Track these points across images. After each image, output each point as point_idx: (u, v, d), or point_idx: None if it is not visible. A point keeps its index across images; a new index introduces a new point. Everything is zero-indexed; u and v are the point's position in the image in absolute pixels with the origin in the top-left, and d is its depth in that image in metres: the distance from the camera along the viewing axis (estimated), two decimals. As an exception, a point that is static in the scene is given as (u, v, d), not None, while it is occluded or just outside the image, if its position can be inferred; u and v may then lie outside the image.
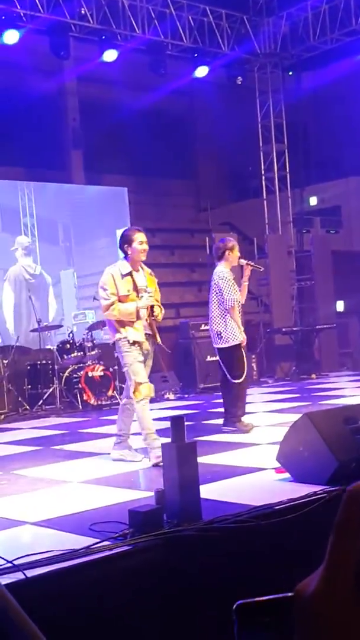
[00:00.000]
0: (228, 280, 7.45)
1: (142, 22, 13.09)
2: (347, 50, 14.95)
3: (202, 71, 14.33)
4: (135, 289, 6.39)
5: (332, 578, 0.59)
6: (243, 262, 7.69)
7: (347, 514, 0.59)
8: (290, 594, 0.64)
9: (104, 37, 12.74)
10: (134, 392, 6.27)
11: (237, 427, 7.49)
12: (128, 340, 6.26)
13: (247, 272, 7.70)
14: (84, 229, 15.25)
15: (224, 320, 7.47)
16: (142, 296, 6.34)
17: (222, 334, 7.48)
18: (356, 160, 20.53)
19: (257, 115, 15.84)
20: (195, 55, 14.06)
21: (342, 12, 13.82)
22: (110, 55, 12.90)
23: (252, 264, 7.77)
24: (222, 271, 7.50)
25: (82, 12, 12.44)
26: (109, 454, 6.74)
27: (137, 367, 6.27)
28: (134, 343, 6.29)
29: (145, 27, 13.12)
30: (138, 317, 6.29)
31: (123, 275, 6.34)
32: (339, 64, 15.94)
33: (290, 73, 17.50)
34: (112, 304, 6.24)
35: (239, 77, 14.73)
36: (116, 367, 11.13)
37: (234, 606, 0.65)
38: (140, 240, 6.39)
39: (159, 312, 6.41)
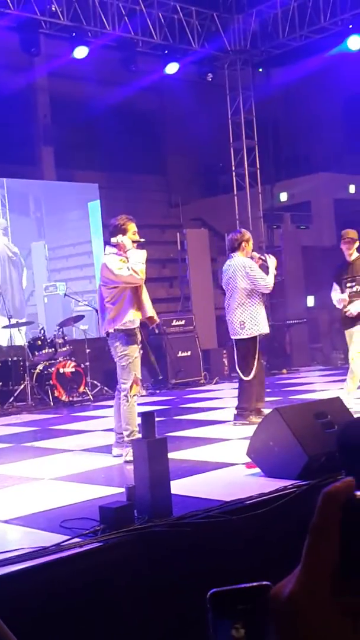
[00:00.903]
0: (256, 268, 7.45)
1: (112, 18, 13.06)
2: (316, 47, 15.04)
3: (172, 68, 14.33)
4: None
5: (308, 580, 0.59)
6: (256, 255, 7.69)
7: (323, 516, 0.60)
8: (264, 583, 0.65)
9: (74, 34, 12.69)
10: (131, 386, 6.25)
11: (248, 421, 7.43)
12: (128, 333, 6.22)
13: (257, 265, 7.67)
14: (56, 201, 15.20)
15: (250, 310, 7.43)
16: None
17: (245, 324, 7.45)
18: (326, 156, 20.70)
19: (228, 112, 15.89)
20: (166, 52, 14.07)
21: (310, 9, 13.91)
22: (80, 52, 12.85)
23: (263, 258, 7.75)
24: (246, 261, 7.49)
25: (53, 8, 12.37)
26: (80, 450, 6.75)
27: (137, 361, 6.27)
28: (134, 334, 6.26)
29: (115, 24, 13.09)
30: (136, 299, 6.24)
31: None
32: (308, 61, 16.03)
33: (260, 70, 17.57)
34: (128, 269, 6.13)
35: (209, 74, 14.77)
36: (88, 364, 11.13)
37: (208, 594, 0.66)
38: (133, 230, 6.39)
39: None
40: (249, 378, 7.47)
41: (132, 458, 6.11)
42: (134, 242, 6.46)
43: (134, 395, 6.25)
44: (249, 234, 7.75)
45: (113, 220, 6.54)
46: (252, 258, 7.63)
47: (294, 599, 0.59)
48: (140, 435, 6.17)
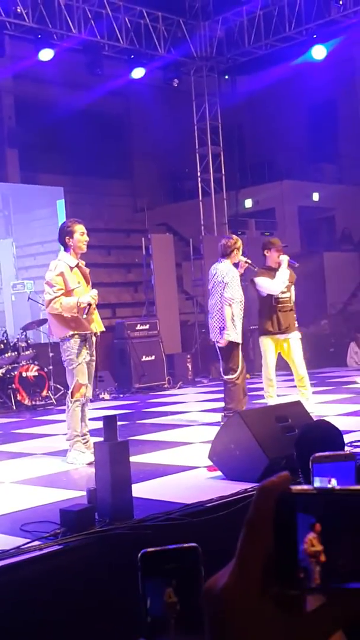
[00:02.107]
0: (234, 279, 7.57)
1: (78, 21, 13.05)
2: (281, 56, 15.20)
3: (138, 73, 14.37)
4: (86, 279, 6.39)
5: (241, 573, 0.60)
6: (242, 259, 7.75)
7: (258, 510, 0.60)
8: (191, 544, 0.68)
9: (39, 36, 12.65)
10: (72, 392, 6.26)
11: None
12: (80, 336, 6.22)
13: (242, 270, 7.77)
14: (23, 199, 15.10)
15: (223, 315, 7.52)
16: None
17: (224, 330, 7.52)
18: (290, 163, 20.89)
19: (193, 118, 15.97)
20: (132, 56, 14.09)
21: (276, 18, 14.06)
22: (46, 54, 12.82)
23: (250, 262, 7.85)
24: (229, 269, 7.60)
25: (18, 10, 12.32)
26: (42, 453, 6.71)
27: (83, 367, 6.26)
28: (85, 340, 6.26)
29: (81, 27, 13.08)
30: (82, 311, 6.19)
31: (71, 268, 6.33)
32: (273, 70, 16.18)
33: (226, 77, 17.70)
34: (55, 298, 6.19)
35: (175, 80, 14.82)
36: (51, 367, 11.07)
37: (139, 555, 0.68)
38: (81, 231, 6.41)
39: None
40: (231, 377, 7.54)
41: (73, 461, 6.15)
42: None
43: (76, 401, 6.24)
44: (240, 242, 7.83)
45: (62, 224, 6.58)
46: (238, 262, 7.71)
47: (226, 591, 0.60)
48: (80, 439, 6.22)
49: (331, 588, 0.58)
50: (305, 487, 0.60)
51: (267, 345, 8.00)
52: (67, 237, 6.37)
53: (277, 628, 0.59)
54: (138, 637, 0.74)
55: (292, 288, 8.16)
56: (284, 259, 8.03)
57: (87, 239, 6.49)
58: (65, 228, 6.44)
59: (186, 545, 0.70)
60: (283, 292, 7.99)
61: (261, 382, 8.15)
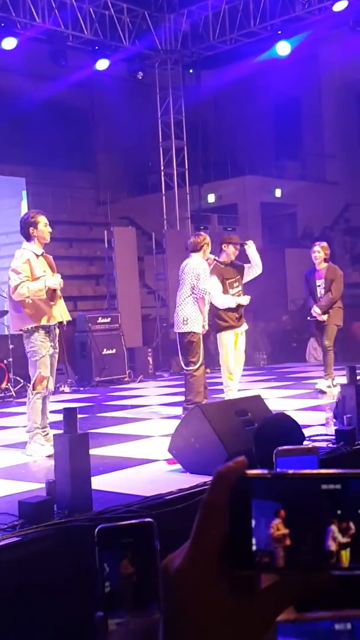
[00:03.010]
0: (206, 271, 7.67)
1: (42, 10, 12.92)
2: (246, 51, 15.25)
3: (102, 64, 14.29)
4: (51, 268, 6.37)
5: (197, 554, 0.62)
6: (211, 257, 7.86)
7: (213, 494, 0.62)
8: (146, 520, 0.69)
9: (2, 24, 12.49)
10: (34, 384, 6.22)
11: None
12: (43, 327, 6.18)
13: (210, 267, 7.85)
14: None
15: (193, 307, 7.56)
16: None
17: (188, 320, 7.56)
18: (253, 159, 20.99)
19: (158, 111, 15.94)
20: (96, 47, 14.01)
21: (241, 13, 14.09)
22: (9, 43, 12.67)
23: (217, 259, 7.96)
24: (200, 262, 7.69)
25: (-20, -2, 12.16)
26: (1, 446, 6.65)
27: (46, 360, 6.23)
28: (48, 331, 6.22)
29: (45, 16, 12.95)
30: (49, 297, 6.20)
31: (37, 256, 6.31)
32: (238, 65, 16.23)
33: (191, 71, 17.70)
34: (21, 283, 6.14)
35: (140, 72, 14.77)
36: (11, 359, 10.97)
37: (96, 530, 0.70)
38: (44, 222, 6.43)
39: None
40: (191, 369, 7.58)
41: (32, 454, 6.12)
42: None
43: (37, 393, 6.21)
44: (209, 238, 7.94)
45: (23, 215, 6.53)
46: (207, 259, 7.80)
47: (181, 572, 0.62)
48: (40, 432, 6.19)
49: (289, 570, 0.60)
50: (260, 471, 0.62)
51: (229, 339, 8.07)
52: (31, 228, 6.35)
53: (230, 607, 0.61)
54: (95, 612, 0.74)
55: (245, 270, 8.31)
56: (240, 298, 8.09)
57: (51, 229, 6.50)
58: (28, 219, 6.41)
59: (141, 520, 0.72)
60: (236, 287, 8.11)
61: (221, 377, 8.18)
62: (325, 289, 9.51)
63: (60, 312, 6.36)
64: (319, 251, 9.58)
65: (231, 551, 0.61)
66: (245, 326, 8.28)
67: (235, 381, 8.16)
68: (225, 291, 8.10)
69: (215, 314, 8.17)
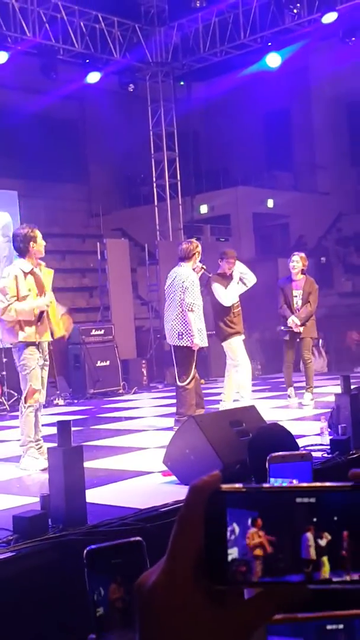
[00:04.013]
0: (194, 283, 7.63)
1: (33, 25, 12.97)
2: (236, 63, 15.34)
3: (93, 77, 14.34)
4: (39, 286, 6.33)
5: (172, 569, 0.61)
6: (199, 265, 7.84)
7: (189, 508, 0.62)
8: (135, 538, 0.69)
9: (-7, 39, 12.54)
10: (26, 397, 6.21)
11: None
12: (32, 343, 6.17)
13: (198, 275, 7.87)
14: None
15: (184, 320, 7.53)
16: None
17: (183, 335, 7.54)
18: (245, 170, 21.06)
19: (149, 123, 15.99)
20: (87, 61, 14.07)
21: (231, 25, 14.17)
22: (0, 57, 12.70)
23: (205, 268, 8.00)
24: (189, 273, 7.66)
25: (-29, 12, 12.20)
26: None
27: (36, 372, 6.21)
28: (38, 346, 6.21)
29: (36, 30, 13.00)
30: (37, 318, 6.18)
31: (26, 274, 6.27)
32: (229, 77, 16.31)
33: (182, 83, 17.77)
34: (8, 306, 6.12)
35: (131, 85, 14.83)
36: (4, 373, 10.94)
37: (85, 552, 0.69)
38: (40, 236, 6.44)
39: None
40: (184, 384, 7.57)
41: (26, 467, 6.09)
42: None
43: (29, 406, 6.19)
44: (200, 246, 7.96)
45: (20, 230, 6.47)
46: (195, 268, 7.80)
47: (157, 586, 0.61)
48: (33, 445, 6.17)
49: (264, 583, 0.61)
50: (235, 485, 0.62)
51: (239, 343, 8.41)
52: (31, 243, 6.32)
53: (207, 621, 0.61)
54: (89, 634, 0.74)
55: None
56: (236, 275, 8.44)
57: (45, 243, 6.52)
58: (27, 234, 6.34)
59: (130, 539, 0.72)
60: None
61: (218, 387, 8.21)
62: (303, 301, 9.55)
63: (44, 335, 6.30)
64: (298, 261, 9.65)
65: (206, 565, 0.61)
66: (243, 336, 8.59)
67: (248, 389, 8.34)
68: None
69: (222, 320, 8.31)
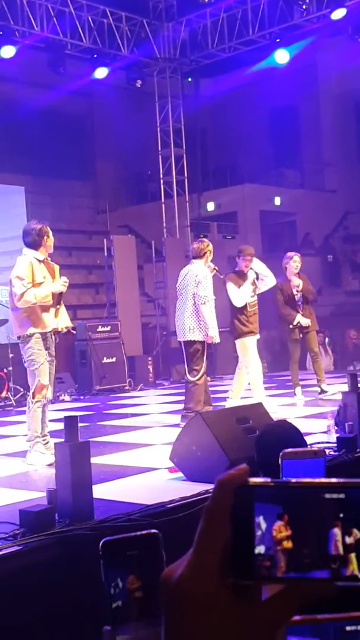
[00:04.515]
0: (207, 278, 7.71)
1: (40, 19, 12.95)
2: (244, 59, 15.28)
3: (101, 72, 14.31)
4: (52, 274, 6.39)
5: (199, 562, 0.61)
6: (211, 265, 7.94)
7: (216, 502, 0.61)
8: (151, 531, 0.67)
9: (1, 33, 12.51)
10: (34, 392, 6.20)
11: None
12: (39, 338, 6.17)
13: (211, 275, 7.95)
14: None
15: (197, 313, 7.57)
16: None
17: (194, 330, 7.58)
18: (252, 167, 21.00)
19: (156, 120, 15.95)
20: (95, 56, 14.03)
21: (239, 21, 14.12)
22: (8, 52, 12.68)
23: (217, 268, 8.08)
24: (202, 268, 7.74)
25: (-22, 6, 12.18)
26: (1, 455, 6.61)
27: (45, 368, 6.22)
28: (45, 340, 6.21)
29: (44, 25, 12.98)
30: (55, 301, 6.25)
31: (40, 262, 6.34)
32: (237, 73, 16.26)
33: (190, 79, 17.74)
34: (27, 291, 6.14)
35: (138, 81, 14.80)
36: (11, 368, 10.94)
37: (100, 543, 0.68)
38: (51, 233, 6.53)
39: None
40: (195, 379, 7.58)
41: (32, 462, 6.09)
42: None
43: (37, 402, 6.19)
44: (212, 246, 8.01)
45: (34, 225, 6.50)
46: (208, 267, 7.86)
47: (183, 580, 0.61)
48: (40, 441, 6.17)
49: (289, 579, 0.60)
50: (262, 479, 0.62)
51: (252, 344, 8.49)
52: (45, 238, 6.41)
53: (232, 616, 0.60)
54: (103, 626, 0.72)
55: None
56: (251, 275, 8.56)
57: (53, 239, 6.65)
58: (42, 229, 6.44)
59: (146, 532, 0.70)
60: (252, 296, 8.56)
61: (224, 384, 8.21)
62: (304, 298, 9.75)
63: (59, 320, 6.36)
64: (299, 261, 9.89)
65: (232, 560, 0.60)
66: (258, 336, 8.69)
67: (260, 389, 8.39)
68: None
69: (237, 318, 8.37)
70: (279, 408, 8.59)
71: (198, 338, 7.60)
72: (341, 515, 0.60)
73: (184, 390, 8.02)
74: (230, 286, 8.46)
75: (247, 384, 8.62)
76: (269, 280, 8.64)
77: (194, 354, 7.64)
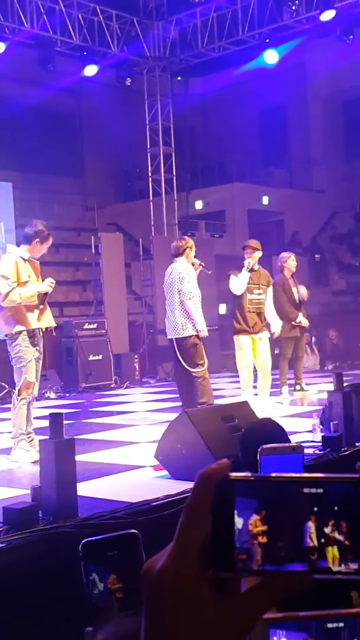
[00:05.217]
0: (190, 274, 7.73)
1: (30, 16, 12.91)
2: (234, 59, 15.30)
3: (91, 70, 14.30)
4: (36, 273, 6.37)
5: (179, 556, 0.62)
6: (196, 262, 7.88)
7: (197, 495, 0.62)
8: (131, 531, 0.69)
9: (-10, 29, 12.49)
10: (20, 390, 6.19)
11: None
12: (27, 335, 6.17)
13: (197, 272, 7.93)
14: None
15: (184, 310, 7.63)
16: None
17: (186, 325, 7.59)
18: (241, 167, 21.04)
19: (145, 118, 15.95)
20: (85, 53, 14.02)
21: (229, 21, 14.15)
22: (-3, 48, 12.66)
23: (203, 264, 8.05)
24: (185, 265, 7.78)
25: (-32, 2, 12.14)
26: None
27: (32, 365, 6.21)
28: (32, 337, 6.21)
29: (34, 22, 12.95)
30: (40, 301, 6.22)
31: (24, 260, 6.30)
32: (226, 73, 16.27)
33: (179, 78, 17.74)
34: (12, 290, 6.13)
35: (128, 79, 14.80)
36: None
37: (80, 544, 0.69)
38: (49, 242, 6.51)
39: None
40: (200, 372, 7.59)
41: (17, 460, 6.09)
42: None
43: (22, 399, 6.19)
44: (192, 242, 8.05)
45: (39, 224, 6.49)
46: (192, 264, 7.86)
47: (164, 572, 0.62)
48: (25, 438, 6.16)
49: (268, 571, 0.61)
50: (242, 474, 0.63)
51: (245, 343, 8.51)
52: (37, 239, 6.36)
53: (212, 608, 0.61)
54: (85, 624, 0.74)
55: (268, 291, 8.87)
56: (246, 263, 8.64)
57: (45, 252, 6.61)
58: (40, 230, 6.40)
59: (125, 532, 0.71)
60: (259, 294, 8.65)
61: (211, 383, 8.19)
62: (300, 297, 9.92)
63: (43, 320, 6.34)
64: (294, 261, 10.12)
65: (212, 553, 0.61)
66: (264, 334, 8.67)
67: (265, 391, 8.42)
68: (244, 293, 8.49)
69: (234, 316, 8.46)
70: (265, 407, 8.62)
71: (192, 333, 7.63)
72: (315, 509, 0.61)
73: (166, 389, 8.04)
74: (232, 277, 8.59)
75: (268, 382, 8.68)
76: (273, 326, 8.92)
77: (193, 348, 7.66)
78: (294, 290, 9.90)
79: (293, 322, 9.78)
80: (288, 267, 9.92)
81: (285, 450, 1.35)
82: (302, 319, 9.84)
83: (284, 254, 10.18)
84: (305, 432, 6.45)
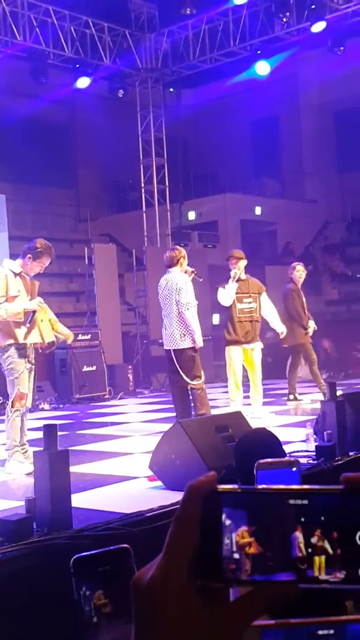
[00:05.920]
0: (187, 284, 7.72)
1: (23, 28, 12.97)
2: (225, 70, 15.40)
3: (83, 82, 14.35)
4: (27, 289, 6.33)
5: (168, 567, 0.63)
6: (189, 269, 7.90)
7: (186, 507, 0.64)
8: (122, 545, 0.69)
9: (-17, 42, 12.53)
10: (13, 401, 6.19)
11: None
12: (18, 347, 6.16)
13: (190, 278, 7.94)
14: None
15: (182, 321, 7.60)
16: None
17: (185, 336, 7.58)
18: (233, 177, 21.12)
19: (138, 129, 16.02)
20: (77, 65, 14.08)
21: (221, 32, 14.24)
22: (-11, 60, 12.70)
23: (195, 271, 8.05)
24: (180, 275, 7.76)
25: None
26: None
27: (24, 376, 6.20)
28: (25, 349, 6.20)
29: (26, 34, 13.00)
30: (26, 319, 6.19)
31: (15, 275, 6.27)
32: (218, 84, 16.36)
33: (171, 89, 17.82)
34: None
35: (120, 90, 14.86)
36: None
37: (71, 561, 0.70)
38: (47, 261, 6.47)
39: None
40: (198, 383, 7.60)
41: (11, 471, 6.08)
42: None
43: (16, 411, 6.18)
44: (185, 251, 8.04)
45: (42, 241, 6.47)
46: (186, 272, 7.86)
47: (153, 583, 0.63)
48: (18, 449, 6.15)
49: (257, 581, 0.62)
50: (230, 486, 0.64)
51: (235, 353, 8.55)
52: (30, 255, 6.30)
53: (201, 618, 0.62)
54: (78, 637, 0.74)
55: (263, 297, 8.85)
56: (232, 274, 8.67)
57: (41, 271, 6.53)
58: (39, 247, 6.35)
59: (116, 547, 0.72)
60: (250, 302, 8.64)
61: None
62: (307, 306, 10.22)
63: (41, 334, 6.32)
64: (303, 270, 10.38)
65: (200, 564, 0.63)
66: (257, 344, 8.67)
67: (258, 401, 8.44)
68: (233, 303, 8.49)
69: (225, 326, 8.48)
70: (263, 415, 8.66)
71: (190, 345, 7.63)
72: (302, 519, 0.62)
73: (160, 399, 8.05)
74: (219, 290, 8.62)
75: (260, 393, 8.74)
76: (276, 326, 9.09)
77: (190, 360, 7.66)
78: (304, 299, 10.17)
79: (306, 329, 9.99)
80: (297, 277, 10.16)
81: (282, 464, 1.36)
82: (312, 326, 10.12)
83: (294, 264, 10.50)
84: (298, 442, 6.46)
